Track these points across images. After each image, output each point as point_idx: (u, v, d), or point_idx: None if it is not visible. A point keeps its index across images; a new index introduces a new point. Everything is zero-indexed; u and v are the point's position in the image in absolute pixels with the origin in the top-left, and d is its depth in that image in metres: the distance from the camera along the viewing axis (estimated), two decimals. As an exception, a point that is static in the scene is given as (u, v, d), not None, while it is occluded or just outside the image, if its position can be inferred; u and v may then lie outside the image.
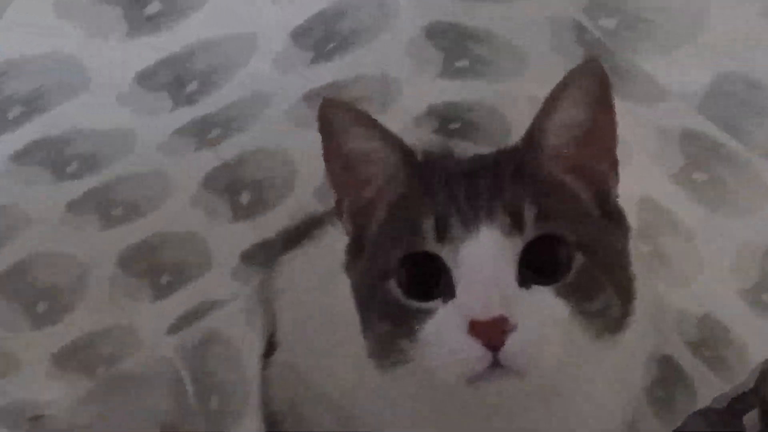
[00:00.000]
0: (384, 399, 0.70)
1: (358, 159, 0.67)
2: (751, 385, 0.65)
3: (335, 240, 0.73)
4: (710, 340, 0.76)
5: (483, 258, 0.62)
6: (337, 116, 0.66)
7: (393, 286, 0.64)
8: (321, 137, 0.66)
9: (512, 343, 0.60)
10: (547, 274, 0.62)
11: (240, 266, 0.91)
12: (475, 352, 0.60)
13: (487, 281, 0.61)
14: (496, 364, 0.60)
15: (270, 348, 0.88)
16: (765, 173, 0.70)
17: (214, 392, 0.89)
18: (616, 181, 0.67)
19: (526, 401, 0.64)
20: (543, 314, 0.61)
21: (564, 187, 0.66)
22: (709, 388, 0.74)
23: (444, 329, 0.61)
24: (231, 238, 0.88)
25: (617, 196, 0.68)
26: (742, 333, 0.74)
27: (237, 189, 0.86)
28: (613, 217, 0.67)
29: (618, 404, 0.70)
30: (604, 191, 0.67)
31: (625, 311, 0.64)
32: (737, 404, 0.65)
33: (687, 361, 0.78)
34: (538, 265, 0.62)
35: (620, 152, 0.67)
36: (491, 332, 0.59)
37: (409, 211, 0.65)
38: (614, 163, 0.67)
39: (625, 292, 0.65)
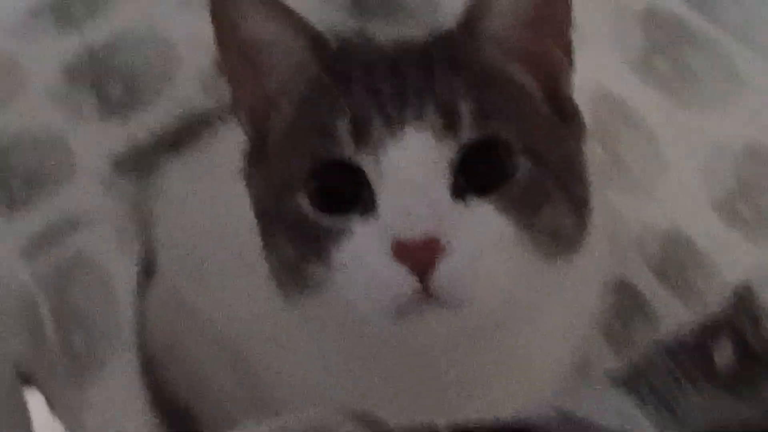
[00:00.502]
0: (289, 336, 0.68)
1: (257, 46, 0.64)
2: (723, 312, 0.59)
3: (228, 142, 0.71)
4: (675, 261, 0.76)
5: (409, 165, 0.59)
6: None
7: (301, 200, 0.62)
8: (211, 19, 0.64)
9: (444, 269, 0.58)
10: (486, 183, 0.60)
11: (110, 175, 0.86)
12: (399, 278, 0.58)
13: (415, 194, 0.59)
14: (425, 294, 0.58)
15: (147, 275, 0.84)
16: (740, 59, 0.68)
17: (78, 329, 0.84)
18: (570, 70, 0.65)
19: (463, 337, 0.62)
20: (482, 232, 0.59)
21: (508, 80, 0.64)
22: (674, 317, 0.74)
23: (363, 251, 0.60)
24: (98, 140, 0.84)
25: (571, 90, 0.66)
26: (713, 251, 0.73)
27: (105, 80, 0.83)
28: (565, 114, 0.66)
29: (569, 337, 0.69)
30: (556, 83, 0.65)
31: (580, 226, 0.63)
32: (706, 335, 0.60)
33: (648, 285, 0.78)
34: (475, 173, 0.60)
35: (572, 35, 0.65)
36: (418, 254, 0.58)
37: (320, 110, 0.63)
38: (568, 49, 0.65)
39: (580, 204, 0.64)
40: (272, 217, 0.65)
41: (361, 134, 0.60)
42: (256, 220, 0.66)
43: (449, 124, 0.60)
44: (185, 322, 0.80)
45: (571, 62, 0.65)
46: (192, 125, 0.84)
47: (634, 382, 0.56)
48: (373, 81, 0.62)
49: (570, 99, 0.66)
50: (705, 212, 0.73)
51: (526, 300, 0.61)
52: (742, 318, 0.56)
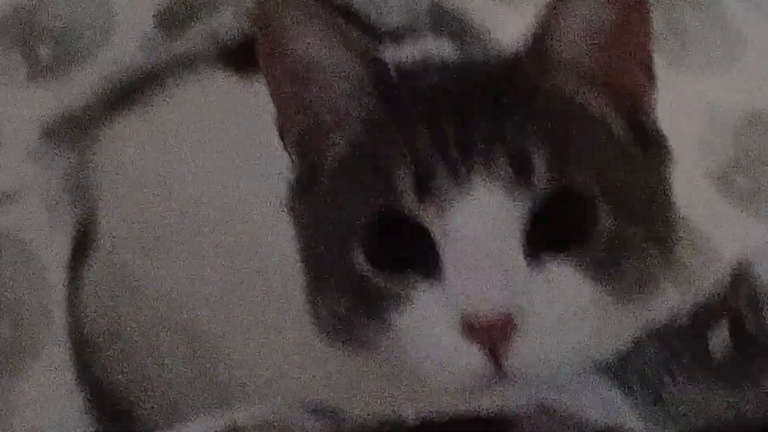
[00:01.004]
0: (277, 335, 0.68)
1: (308, 69, 0.61)
2: (719, 293, 0.59)
3: (179, 100, 0.73)
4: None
5: (478, 225, 0.56)
6: (283, 6, 0.60)
7: (357, 255, 0.59)
8: (259, 32, 0.61)
9: (521, 347, 0.55)
10: (564, 240, 0.57)
11: (39, 144, 0.85)
12: (470, 357, 0.55)
13: (486, 260, 0.56)
14: (499, 373, 0.56)
15: (83, 253, 0.83)
16: (741, 19, 0.68)
17: (5, 314, 0.83)
18: (653, 91, 0.63)
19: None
20: (561, 299, 0.56)
21: (582, 112, 0.61)
22: (666, 300, 0.69)
23: (428, 320, 0.57)
24: (26, 106, 0.84)
25: (654, 113, 0.63)
26: (708, 227, 0.72)
27: (33, 40, 0.83)
28: (648, 142, 0.62)
29: None
30: (637, 108, 0.62)
31: (665, 266, 0.61)
32: (700, 319, 0.60)
33: None
34: (551, 230, 0.57)
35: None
36: (494, 335, 0.55)
37: (377, 152, 0.60)
38: (649, 67, 0.62)
39: (666, 244, 0.61)
40: (325, 264, 0.62)
41: (424, 187, 0.57)
42: (301, 262, 0.63)
43: (521, 175, 0.57)
44: (131, 302, 0.79)
45: (653, 82, 0.62)
46: (140, 84, 0.82)
47: (621, 371, 0.55)
48: (437, 121, 0.59)
49: (655, 125, 0.63)
50: (700, 185, 0.72)
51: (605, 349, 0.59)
52: (740, 300, 0.55)
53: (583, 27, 0.60)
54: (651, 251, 0.60)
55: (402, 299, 0.58)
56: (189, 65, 0.78)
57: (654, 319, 0.59)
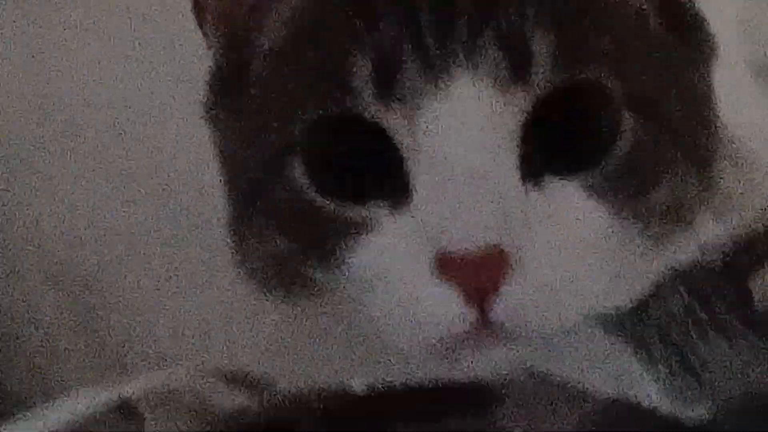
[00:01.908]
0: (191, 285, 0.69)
1: None
2: (766, 226, 0.57)
3: None
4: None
5: (461, 133, 0.54)
6: None
7: (297, 171, 0.57)
8: None
9: (513, 292, 0.53)
10: (572, 156, 0.55)
11: None
12: (449, 307, 0.54)
13: (470, 178, 0.54)
14: (482, 325, 0.54)
15: None
16: None
17: None
18: None
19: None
20: (566, 234, 0.55)
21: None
22: (703, 235, 0.69)
23: (394, 262, 0.55)
24: None
25: None
26: (753, 137, 0.70)
27: None
28: (686, 31, 0.60)
29: None
30: None
31: (707, 189, 0.60)
32: (742, 257, 0.57)
33: None
34: (556, 142, 0.55)
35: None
36: (478, 275, 0.53)
37: (327, 36, 0.57)
38: None
39: (706, 162, 0.60)
40: (254, 188, 0.59)
41: (387, 81, 0.55)
42: (225, 179, 0.61)
43: (517, 66, 0.54)
44: (6, 250, 0.75)
45: None
46: None
47: (637, 327, 0.53)
48: (408, 3, 0.56)
49: (693, 9, 0.61)
50: (744, 82, 0.70)
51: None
52: None
53: None
54: (688, 172, 0.58)
55: (359, 231, 0.56)
56: None
57: (683, 258, 0.56)
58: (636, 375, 0.51)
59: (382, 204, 0.56)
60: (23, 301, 0.75)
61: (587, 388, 0.50)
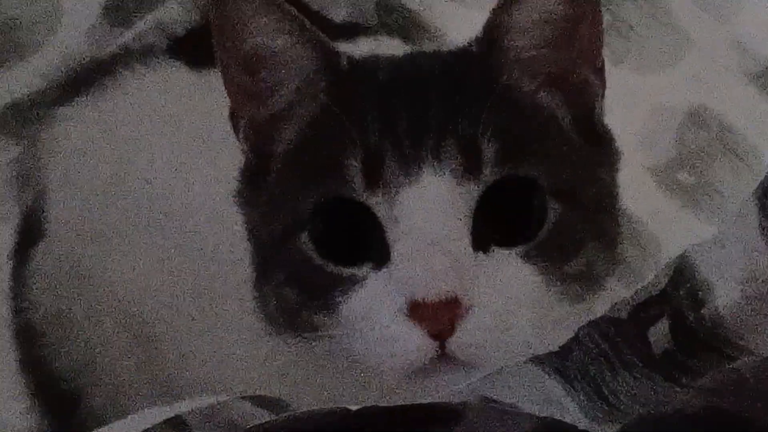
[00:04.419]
0: (223, 327, 0.66)
1: (262, 59, 0.61)
2: (660, 288, 0.59)
3: (130, 88, 0.70)
4: None
5: (427, 212, 0.56)
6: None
7: (305, 242, 0.58)
8: (212, 22, 0.60)
9: (465, 332, 0.55)
10: (511, 232, 0.57)
11: None
12: (415, 341, 0.55)
13: (433, 246, 0.55)
14: (443, 357, 0.56)
15: (30, 243, 0.80)
16: (684, 15, 0.68)
17: None
18: (602, 92, 0.62)
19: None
20: (506, 287, 0.56)
21: (535, 107, 0.60)
22: (609, 297, 0.69)
23: (375, 308, 0.57)
24: None
25: (602, 113, 0.63)
26: (651, 223, 0.72)
27: None
28: (597, 141, 0.62)
29: None
30: (587, 107, 0.62)
31: (611, 264, 0.61)
32: (641, 313, 0.60)
33: None
34: (499, 221, 0.57)
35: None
36: (438, 318, 0.55)
37: (328, 140, 0.59)
38: (600, 69, 0.62)
39: (612, 242, 0.61)
40: (272, 254, 0.61)
41: (374, 174, 0.57)
42: (251, 248, 0.62)
43: (470, 164, 0.56)
44: (78, 289, 0.76)
45: (603, 83, 0.62)
46: (85, 74, 0.80)
47: (562, 364, 0.54)
48: (389, 110, 0.58)
49: (602, 123, 0.63)
50: (643, 180, 0.71)
51: (546, 345, 0.57)
52: (680, 295, 0.55)
53: (534, 23, 0.59)
54: (598, 248, 0.59)
55: (350, 285, 0.57)
56: (139, 56, 0.76)
57: (595, 312, 0.58)
58: (562, 401, 0.53)
59: (367, 264, 0.57)
60: (99, 339, 0.75)
61: (526, 410, 0.51)
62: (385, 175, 0.57)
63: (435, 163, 0.56)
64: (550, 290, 0.57)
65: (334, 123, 0.59)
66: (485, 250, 0.56)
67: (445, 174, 0.56)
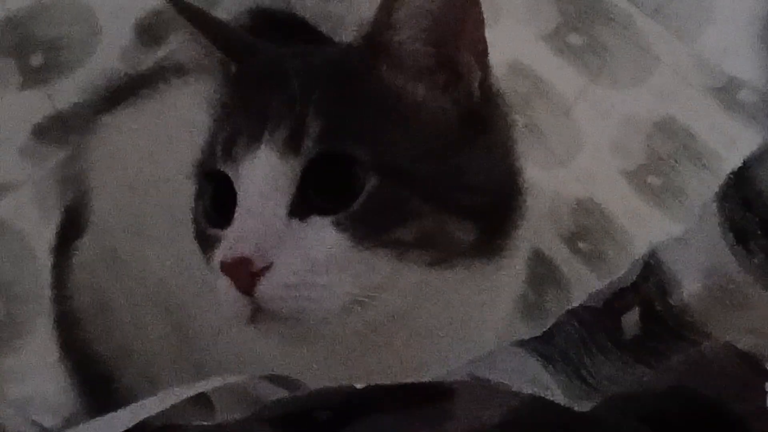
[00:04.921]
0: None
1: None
2: (632, 280, 0.59)
3: (169, 99, 0.72)
4: (588, 231, 0.75)
5: (253, 182, 0.59)
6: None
7: (199, 205, 0.62)
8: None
9: (266, 286, 0.57)
10: (329, 202, 0.59)
11: (31, 142, 0.85)
12: (232, 294, 0.58)
13: (249, 212, 0.58)
14: (259, 308, 0.58)
15: (71, 238, 0.82)
16: (652, 36, 0.68)
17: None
18: (483, 74, 0.62)
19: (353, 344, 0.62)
20: (312, 251, 0.58)
21: (398, 97, 0.61)
22: (586, 287, 0.69)
23: (216, 263, 0.59)
24: (19, 108, 0.83)
25: (488, 85, 0.62)
26: (624, 221, 0.73)
27: (26, 49, 0.82)
28: (482, 127, 0.62)
29: (490, 325, 0.67)
30: (465, 93, 0.62)
31: (484, 234, 0.61)
32: (614, 303, 0.60)
33: (560, 256, 0.77)
34: (319, 192, 0.59)
35: (487, 10, 0.62)
36: (235, 274, 0.57)
37: (223, 125, 0.63)
38: (482, 53, 0.62)
39: (478, 214, 0.61)
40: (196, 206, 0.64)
41: (229, 149, 0.60)
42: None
43: (294, 141, 0.58)
44: (119, 280, 0.78)
45: (484, 67, 0.62)
46: (132, 83, 0.82)
47: (547, 349, 0.56)
48: (261, 98, 0.61)
49: (488, 109, 0.63)
50: (617, 183, 0.73)
51: (413, 304, 0.60)
52: (650, 286, 0.55)
53: (412, 20, 0.60)
54: (442, 219, 0.60)
55: (217, 244, 0.61)
56: (173, 71, 0.78)
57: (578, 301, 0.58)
58: (545, 381, 0.55)
59: (226, 227, 0.60)
60: (136, 325, 0.77)
61: (513, 389, 0.53)
62: (235, 150, 0.60)
63: (269, 142, 0.59)
64: (370, 254, 0.58)
65: (234, 99, 0.63)
66: (302, 218, 0.58)
67: (273, 149, 0.59)
